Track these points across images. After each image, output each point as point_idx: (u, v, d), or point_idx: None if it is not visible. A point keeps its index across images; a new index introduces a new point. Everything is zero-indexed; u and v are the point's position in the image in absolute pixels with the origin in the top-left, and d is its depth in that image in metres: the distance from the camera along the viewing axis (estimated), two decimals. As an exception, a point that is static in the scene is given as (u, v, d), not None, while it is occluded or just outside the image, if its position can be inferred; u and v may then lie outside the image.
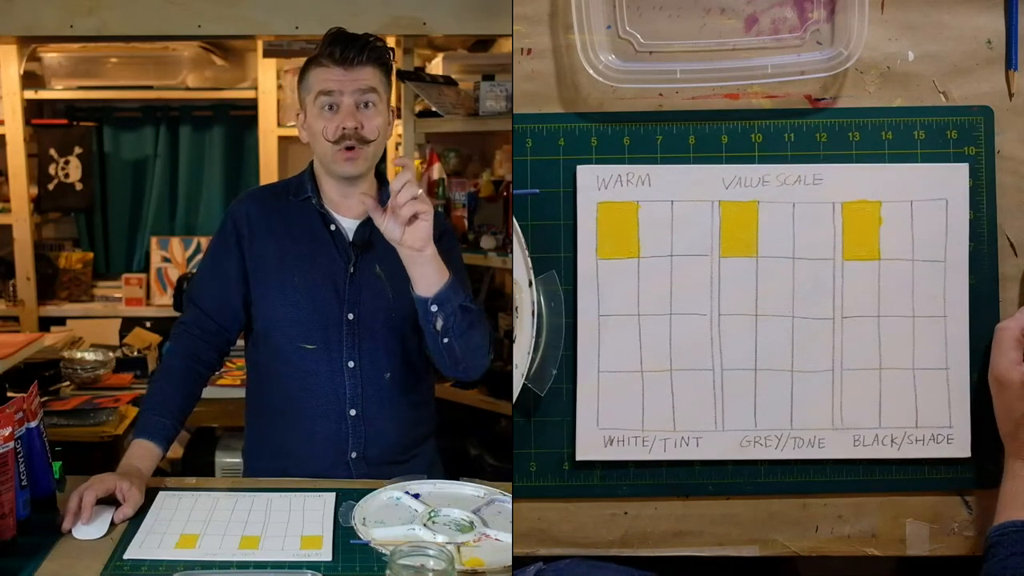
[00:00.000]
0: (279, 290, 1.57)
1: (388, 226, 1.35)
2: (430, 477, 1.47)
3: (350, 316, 1.56)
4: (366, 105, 1.51)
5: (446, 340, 1.43)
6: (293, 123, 1.61)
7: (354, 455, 1.57)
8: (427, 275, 1.39)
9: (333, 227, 1.57)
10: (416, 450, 1.64)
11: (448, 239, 1.61)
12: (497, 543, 1.25)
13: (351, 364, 1.56)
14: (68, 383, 2.53)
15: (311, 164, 1.61)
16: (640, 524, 1.14)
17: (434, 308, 1.40)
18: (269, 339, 1.59)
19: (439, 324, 1.41)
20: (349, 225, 1.58)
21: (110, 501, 1.32)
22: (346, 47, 1.50)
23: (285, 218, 1.59)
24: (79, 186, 3.45)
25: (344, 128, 1.49)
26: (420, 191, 1.34)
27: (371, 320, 1.56)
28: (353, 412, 1.56)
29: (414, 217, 1.34)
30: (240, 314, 1.61)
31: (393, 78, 1.60)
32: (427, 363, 1.63)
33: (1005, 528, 1.03)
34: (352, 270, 1.56)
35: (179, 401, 1.53)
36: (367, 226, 1.57)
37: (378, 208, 1.36)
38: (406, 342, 1.58)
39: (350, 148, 1.50)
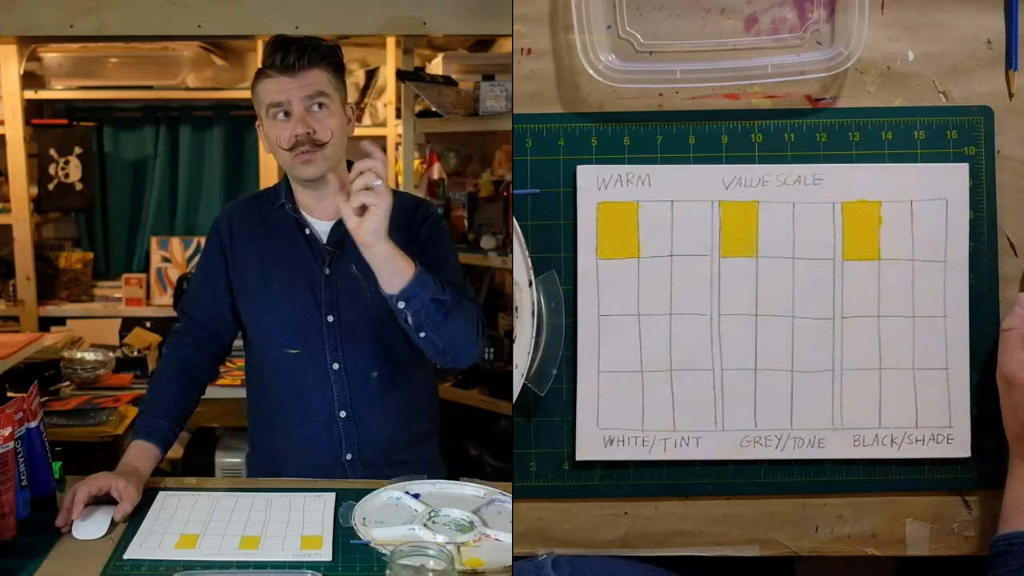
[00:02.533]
0: (260, 297, 1.58)
1: (343, 211, 1.33)
2: (432, 478, 1.47)
3: (330, 318, 1.55)
4: (319, 107, 1.50)
5: (422, 334, 1.41)
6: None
7: (349, 457, 1.57)
8: (386, 272, 1.37)
9: (307, 231, 1.58)
10: (414, 451, 1.63)
11: (430, 226, 1.59)
12: (497, 543, 1.25)
13: (336, 366, 1.56)
14: (68, 383, 2.53)
15: None
16: (640, 524, 1.14)
17: (400, 305, 1.38)
18: (256, 345, 1.62)
19: (410, 319, 1.39)
20: (323, 227, 1.58)
21: (111, 502, 1.32)
22: (287, 53, 1.48)
23: (264, 226, 1.60)
24: (79, 186, 3.44)
25: (296, 135, 1.47)
26: (379, 183, 1.30)
27: (352, 321, 1.56)
28: (343, 414, 1.56)
29: (364, 208, 1.31)
30: (231, 320, 1.63)
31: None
32: (418, 360, 1.62)
33: (1014, 538, 1.01)
34: (328, 272, 1.56)
35: (177, 404, 1.54)
36: (341, 226, 1.57)
37: (341, 191, 1.33)
38: (391, 340, 1.57)
39: (305, 152, 1.49)
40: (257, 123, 1.57)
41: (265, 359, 1.60)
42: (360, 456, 1.57)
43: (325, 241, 1.57)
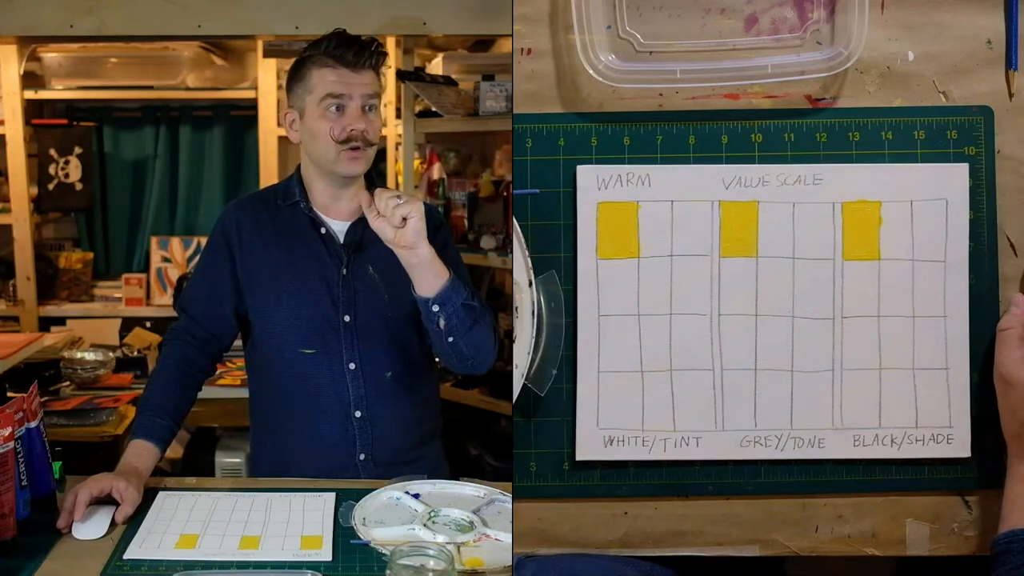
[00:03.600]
0: (274, 297, 1.57)
1: (379, 226, 1.36)
2: (436, 477, 1.47)
3: (346, 318, 1.55)
4: (370, 108, 1.52)
5: (451, 339, 1.43)
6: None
7: (362, 456, 1.57)
8: (426, 275, 1.39)
9: (323, 230, 1.57)
10: (421, 450, 1.63)
11: (443, 234, 1.61)
12: (497, 543, 1.25)
13: (352, 366, 1.56)
14: (68, 383, 2.53)
15: (298, 168, 1.61)
16: (640, 524, 1.14)
17: (436, 308, 1.40)
18: (268, 345, 1.59)
19: (442, 323, 1.41)
20: (339, 227, 1.58)
21: (111, 502, 1.32)
22: (359, 50, 1.50)
23: (275, 224, 1.59)
24: (79, 186, 3.45)
25: (352, 130, 1.49)
26: (402, 196, 1.36)
27: (368, 321, 1.56)
28: (358, 414, 1.56)
29: (403, 219, 1.35)
30: (232, 323, 1.62)
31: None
32: (428, 361, 1.63)
33: (1014, 536, 1.01)
34: (345, 272, 1.56)
35: (175, 403, 1.54)
36: (357, 227, 1.57)
37: (372, 207, 1.36)
38: (406, 341, 1.58)
39: (355, 148, 1.50)
40: (284, 112, 1.58)
41: (275, 359, 1.59)
42: (373, 456, 1.57)
43: (342, 241, 1.57)
